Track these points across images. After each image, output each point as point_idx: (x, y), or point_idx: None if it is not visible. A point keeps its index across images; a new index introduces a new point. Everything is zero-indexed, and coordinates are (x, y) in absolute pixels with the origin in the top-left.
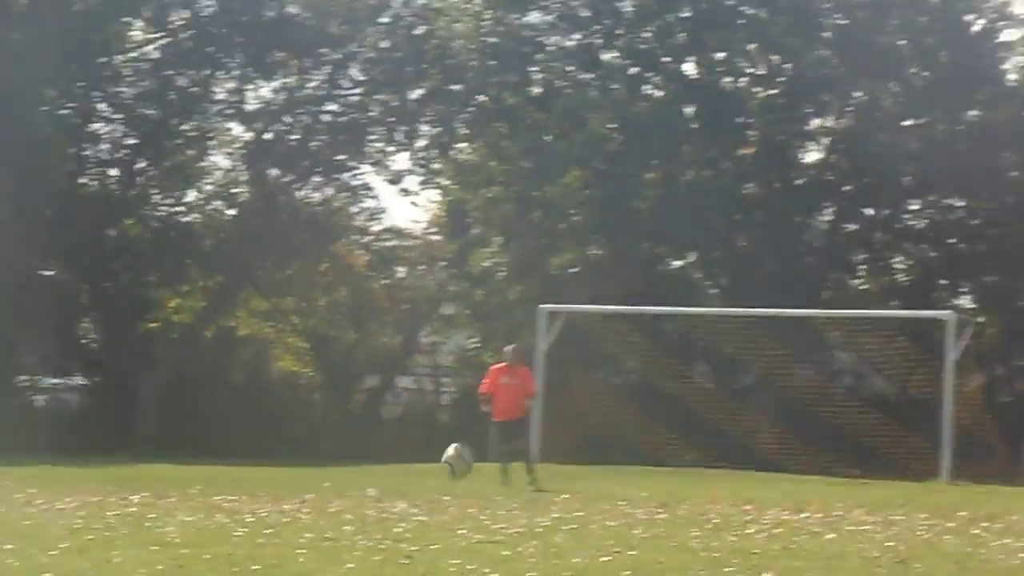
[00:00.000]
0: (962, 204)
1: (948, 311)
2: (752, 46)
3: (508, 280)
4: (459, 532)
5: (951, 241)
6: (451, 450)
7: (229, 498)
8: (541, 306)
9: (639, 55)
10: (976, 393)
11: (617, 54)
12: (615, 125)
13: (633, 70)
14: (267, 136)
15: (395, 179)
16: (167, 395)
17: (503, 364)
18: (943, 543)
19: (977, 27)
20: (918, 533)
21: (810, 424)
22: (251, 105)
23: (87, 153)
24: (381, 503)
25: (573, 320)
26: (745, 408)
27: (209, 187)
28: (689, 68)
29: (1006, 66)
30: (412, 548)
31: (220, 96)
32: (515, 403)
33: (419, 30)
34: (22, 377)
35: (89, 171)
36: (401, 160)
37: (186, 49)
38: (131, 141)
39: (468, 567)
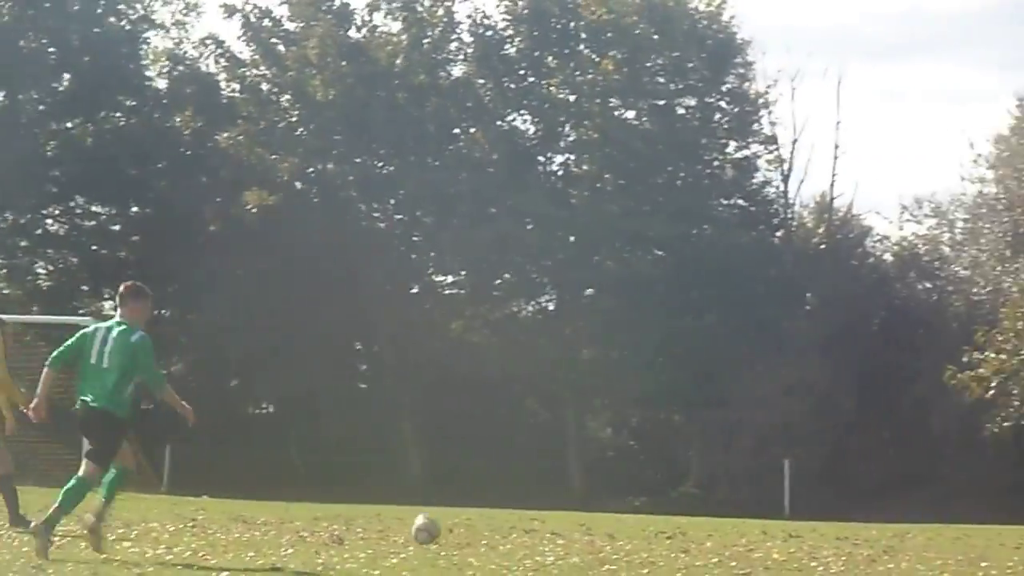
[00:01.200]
0: (104, 211)
1: (90, 317)
2: None
3: None
4: None
5: (93, 247)
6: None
7: None
8: None
9: None
10: None
11: None
12: None
13: None
14: None
15: None
16: None
17: None
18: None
19: (122, 31)
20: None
21: None
22: None
23: None
24: None
25: None
26: None
27: None
28: None
29: (150, 72)
30: None
31: None
32: None
33: None
34: None
35: None
36: None
37: None
38: None
39: None
